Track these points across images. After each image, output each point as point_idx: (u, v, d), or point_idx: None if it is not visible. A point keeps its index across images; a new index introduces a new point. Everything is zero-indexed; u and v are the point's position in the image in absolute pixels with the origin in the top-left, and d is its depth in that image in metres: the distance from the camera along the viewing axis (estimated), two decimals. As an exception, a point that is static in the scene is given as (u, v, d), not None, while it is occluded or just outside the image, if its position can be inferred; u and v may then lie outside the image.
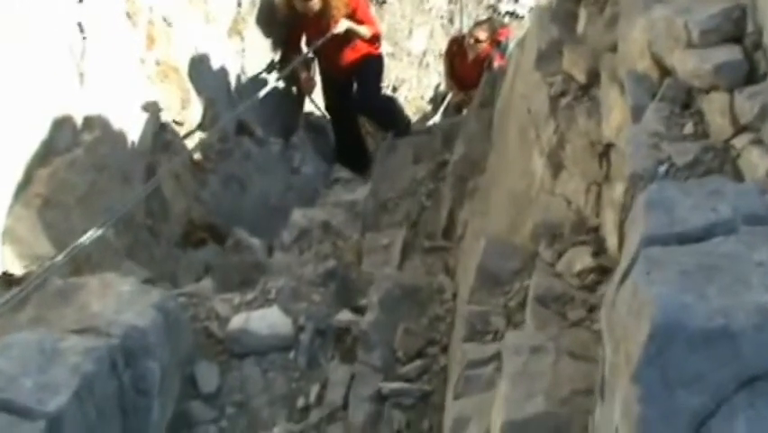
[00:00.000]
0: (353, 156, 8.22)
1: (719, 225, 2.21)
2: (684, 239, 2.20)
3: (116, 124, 5.08)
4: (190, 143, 6.16)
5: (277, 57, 8.06)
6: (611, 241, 3.54)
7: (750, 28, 2.80)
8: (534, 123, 4.28)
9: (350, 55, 7.84)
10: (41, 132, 4.42)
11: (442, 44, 11.45)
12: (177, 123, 6.12)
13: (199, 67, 6.54)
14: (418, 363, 4.12)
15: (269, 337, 4.15)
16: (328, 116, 8.58)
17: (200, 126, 6.40)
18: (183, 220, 5.71)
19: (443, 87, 11.38)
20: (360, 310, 4.43)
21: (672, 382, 1.99)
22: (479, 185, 5.30)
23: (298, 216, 5.49)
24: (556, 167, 4.06)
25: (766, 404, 1.98)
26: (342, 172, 7.84)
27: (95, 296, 3.59)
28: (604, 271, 3.50)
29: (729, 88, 2.73)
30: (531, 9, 12.46)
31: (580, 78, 4.03)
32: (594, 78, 3.94)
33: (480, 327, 3.73)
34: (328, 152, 8.55)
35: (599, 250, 3.60)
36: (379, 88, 8.47)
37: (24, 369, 3.06)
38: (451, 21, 12.48)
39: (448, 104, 10.04)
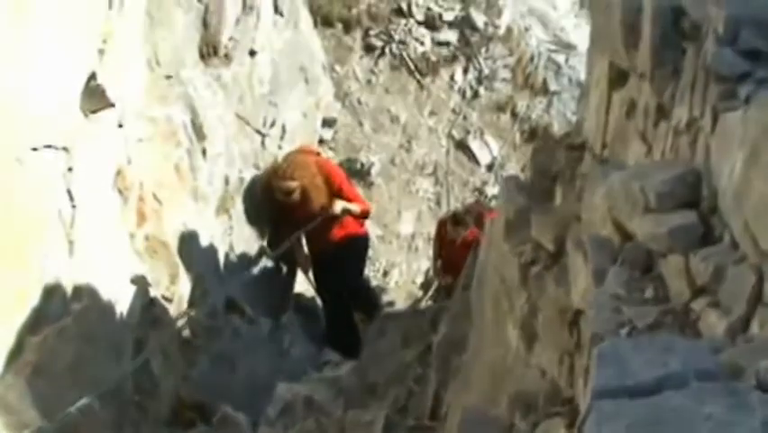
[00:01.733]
0: (344, 339, 8.36)
1: (670, 379, 2.32)
2: (635, 392, 2.33)
3: (105, 295, 5.29)
4: (179, 320, 6.34)
5: (264, 241, 8.32)
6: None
7: (705, 192, 2.93)
8: (507, 293, 4.41)
9: (338, 232, 8.11)
10: (32, 299, 4.59)
11: (430, 227, 11.72)
12: (165, 298, 6.32)
13: (188, 243, 6.79)
14: None
15: None
16: (318, 298, 8.79)
17: (190, 304, 6.60)
18: (171, 398, 5.82)
19: (431, 273, 11.55)
20: None
21: None
22: (461, 364, 5.43)
23: (283, 390, 5.62)
24: (530, 337, 4.16)
25: None
26: (332, 355, 7.97)
27: None
28: (577, 442, 3.61)
29: (685, 251, 2.84)
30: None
31: (549, 246, 4.14)
32: (563, 246, 4.06)
33: None
34: (318, 334, 8.70)
35: (573, 420, 3.65)
36: (363, 268, 8.73)
37: None
38: (438, 203, 12.85)
39: (437, 289, 10.18)
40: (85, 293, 5.08)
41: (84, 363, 4.87)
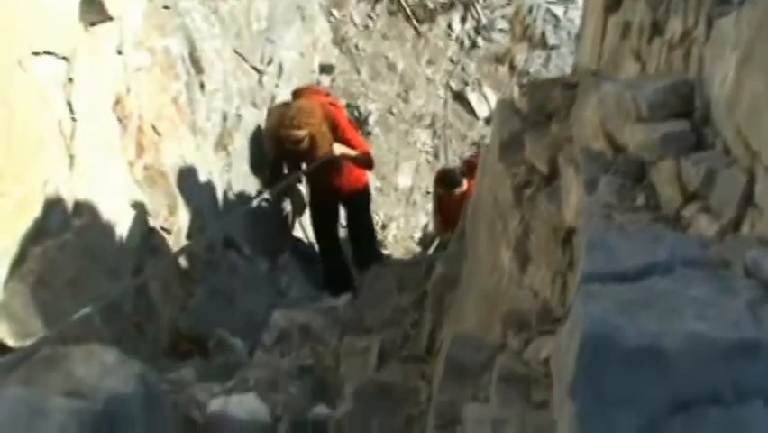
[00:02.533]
0: (340, 285, 8.45)
1: (657, 265, 2.40)
2: (622, 278, 2.40)
3: (105, 215, 5.40)
4: (176, 250, 6.45)
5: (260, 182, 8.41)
6: (579, 329, 3.75)
7: (698, 103, 2.98)
8: (501, 215, 4.46)
9: (341, 180, 8.17)
10: (34, 211, 4.72)
11: (428, 180, 11.82)
12: (164, 229, 6.42)
13: (187, 177, 6.89)
14: None
15: (248, 424, 4.32)
16: (316, 243, 8.88)
17: (188, 237, 6.70)
18: (170, 329, 5.94)
19: (431, 228, 11.61)
20: (336, 408, 4.59)
21: (608, 400, 2.15)
22: (454, 298, 5.53)
23: (279, 317, 5.71)
24: (523, 259, 4.22)
25: (701, 430, 2.13)
26: (330, 301, 8.06)
27: (79, 364, 3.80)
28: (571, 359, 3.70)
29: (676, 157, 2.90)
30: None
31: (543, 168, 4.18)
32: (556, 168, 4.08)
33: (450, 417, 3.78)
34: (315, 278, 8.81)
35: None
36: (371, 216, 8.82)
37: (11, 423, 3.28)
38: (436, 156, 12.93)
39: (439, 245, 10.21)
40: (85, 210, 5.18)
41: (84, 279, 4.99)
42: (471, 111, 13.06)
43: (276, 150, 8.16)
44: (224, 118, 7.78)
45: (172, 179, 6.58)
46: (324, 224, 8.51)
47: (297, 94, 8.38)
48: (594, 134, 3.56)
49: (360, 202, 8.55)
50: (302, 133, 7.73)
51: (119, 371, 3.83)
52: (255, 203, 7.51)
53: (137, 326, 5.47)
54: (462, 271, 5.47)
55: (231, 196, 7.90)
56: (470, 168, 8.89)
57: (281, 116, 7.98)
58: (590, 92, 3.66)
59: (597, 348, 2.16)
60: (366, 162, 8.29)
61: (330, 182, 8.23)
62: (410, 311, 6.52)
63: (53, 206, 4.90)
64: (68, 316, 4.33)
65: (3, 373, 3.77)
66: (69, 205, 5.09)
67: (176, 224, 6.55)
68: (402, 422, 4.45)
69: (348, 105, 11.97)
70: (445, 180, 8.94)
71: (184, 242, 6.63)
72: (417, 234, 12.70)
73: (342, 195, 8.49)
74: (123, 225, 5.66)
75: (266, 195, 7.87)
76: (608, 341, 2.16)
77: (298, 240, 9.20)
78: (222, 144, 7.78)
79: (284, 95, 9.00)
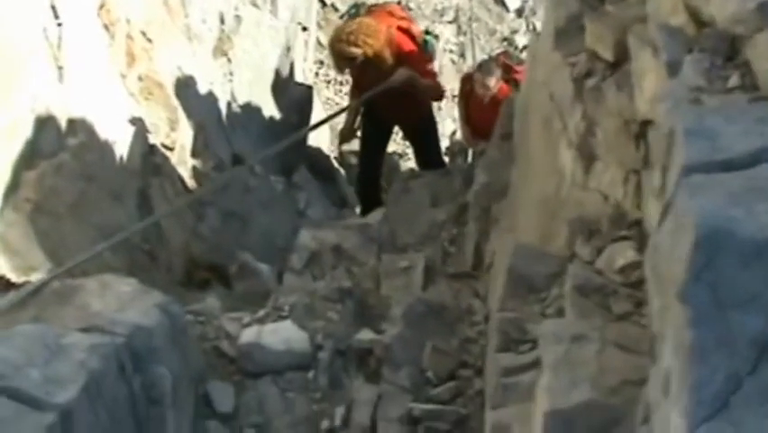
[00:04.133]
0: (370, 204, 8.36)
1: None
2: (729, 166, 2.34)
3: (102, 133, 5.39)
4: (182, 170, 6.43)
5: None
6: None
7: None
8: (559, 111, 4.38)
9: (401, 108, 8.03)
10: (25, 130, 4.71)
11: (453, 83, 11.68)
12: (165, 147, 6.39)
13: (185, 88, 6.84)
14: (451, 384, 4.28)
15: (285, 354, 4.37)
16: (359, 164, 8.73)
17: (192, 154, 6.68)
18: (183, 256, 5.93)
19: (458, 136, 11.51)
20: (380, 331, 4.64)
21: (726, 302, 2.13)
22: (503, 207, 5.52)
23: (307, 238, 5.70)
24: (588, 158, 4.15)
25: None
26: (353, 219, 8.04)
27: (94, 296, 3.84)
28: (649, 267, 3.67)
29: None
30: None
31: (607, 54, 4.07)
32: (623, 54, 3.97)
33: (515, 336, 3.89)
34: (334, 195, 8.79)
35: (643, 244, 3.70)
36: (438, 142, 8.73)
37: (29, 360, 3.31)
38: (462, 56, 12.76)
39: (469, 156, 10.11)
40: (80, 128, 5.15)
41: (85, 204, 4.98)
42: (500, 1, 12.88)
43: (334, 66, 8.09)
44: (222, 20, 7.69)
45: (170, 90, 6.51)
46: (372, 149, 8.39)
47: (369, 10, 8.26)
48: (673, 9, 3.43)
49: (424, 129, 8.42)
50: (355, 51, 7.59)
51: (138, 302, 3.86)
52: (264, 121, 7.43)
53: (149, 254, 5.47)
54: (511, 178, 5.42)
55: (235, 108, 7.83)
56: (501, 69, 8.73)
57: (340, 30, 7.86)
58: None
59: (712, 244, 2.13)
60: (432, 93, 8.13)
61: (388, 110, 8.07)
62: (448, 226, 6.51)
63: (45, 124, 4.87)
64: (71, 245, 4.33)
65: (10, 310, 3.78)
66: (62, 123, 5.06)
67: (178, 141, 6.51)
68: (458, 344, 4.51)
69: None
70: (481, 68, 8.73)
71: (188, 160, 6.60)
72: (444, 143, 12.60)
73: (401, 123, 8.40)
74: (121, 144, 5.63)
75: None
76: (724, 236, 2.13)
77: (313, 152, 9.16)
78: (221, 50, 7.71)
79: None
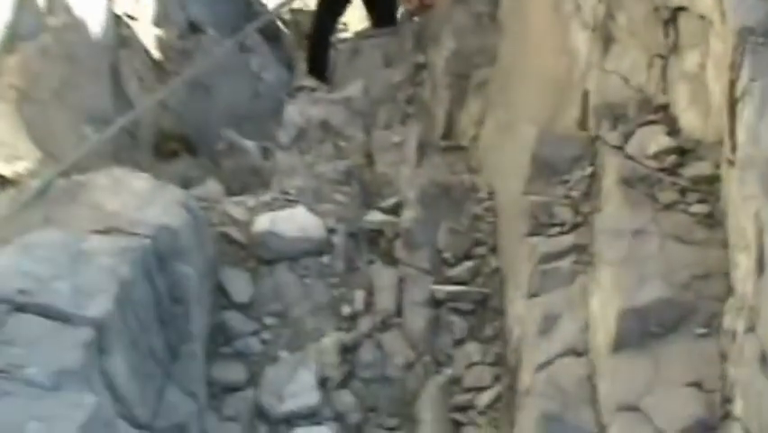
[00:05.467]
0: (323, 62, 7.90)
1: None
2: None
3: (77, 9, 4.89)
4: (146, 40, 5.94)
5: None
6: (686, 118, 3.49)
7: None
8: None
9: None
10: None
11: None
12: (129, 17, 5.89)
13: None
14: (468, 264, 4.12)
15: (300, 240, 4.09)
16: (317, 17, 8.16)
17: (155, 24, 6.17)
18: (153, 128, 5.51)
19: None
20: (388, 211, 4.39)
21: None
22: (490, 77, 5.19)
23: (294, 113, 5.33)
24: (605, 41, 3.92)
25: None
26: (305, 80, 7.63)
27: (107, 193, 3.48)
28: (683, 152, 3.46)
29: None
30: None
31: None
32: None
33: (544, 220, 3.70)
34: (284, 58, 8.32)
35: (673, 129, 3.53)
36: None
37: (55, 271, 2.98)
38: None
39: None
40: (58, 6, 4.63)
41: (69, 87, 4.55)
42: None
43: None
44: None
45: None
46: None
47: None
48: None
49: None
50: None
51: (158, 199, 3.49)
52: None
53: (130, 134, 5.03)
54: (502, 49, 5.08)
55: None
56: None
57: None
58: None
59: None
60: None
61: None
62: (404, 86, 6.19)
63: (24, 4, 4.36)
64: (57, 132, 3.91)
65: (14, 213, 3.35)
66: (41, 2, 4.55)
67: (141, 10, 5.98)
68: (468, 223, 4.30)
69: None
70: None
71: (151, 30, 6.07)
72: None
73: None
74: (91, 17, 5.08)
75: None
76: None
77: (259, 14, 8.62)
78: None
79: None
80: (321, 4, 7.68)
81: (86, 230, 3.21)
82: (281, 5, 7.59)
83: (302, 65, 8.07)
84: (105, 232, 3.22)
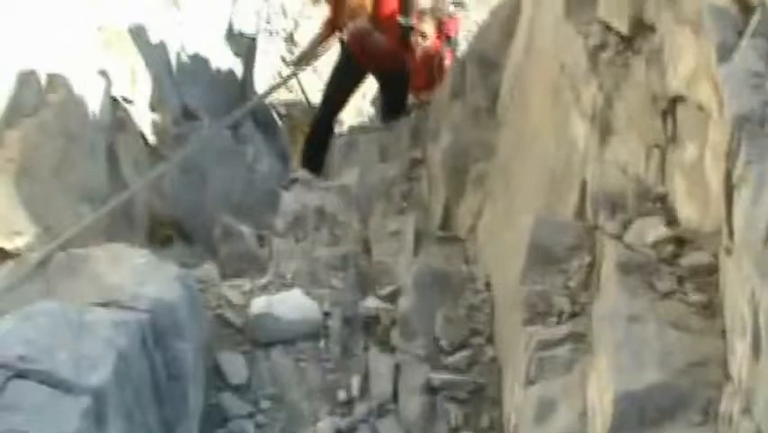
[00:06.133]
0: (319, 155, 7.99)
1: None
2: None
3: (77, 87, 5.08)
4: (142, 124, 6.12)
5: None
6: (684, 208, 3.58)
7: None
8: (571, 82, 4.25)
9: (367, 47, 7.62)
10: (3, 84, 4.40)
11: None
12: (126, 100, 6.06)
13: (139, 38, 6.48)
14: (465, 353, 4.19)
15: (297, 323, 4.23)
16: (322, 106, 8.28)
17: (152, 108, 6.34)
18: (146, 212, 5.63)
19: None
20: (384, 298, 4.51)
21: None
22: (488, 169, 5.34)
23: (290, 199, 5.47)
24: (604, 130, 4.03)
25: None
26: (300, 172, 7.76)
27: (106, 267, 3.57)
28: (681, 242, 3.56)
29: None
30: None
31: (622, 28, 3.97)
32: (639, 27, 3.90)
33: (541, 309, 3.76)
34: (278, 150, 8.50)
35: (671, 219, 3.62)
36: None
37: (56, 340, 3.05)
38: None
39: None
40: (59, 83, 4.78)
41: (68, 164, 4.68)
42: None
43: None
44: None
45: (130, 40, 6.13)
46: (345, 90, 7.96)
47: None
48: (710, -11, 3.27)
49: (396, 78, 7.99)
50: None
51: (156, 274, 3.59)
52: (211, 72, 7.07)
53: (125, 217, 5.15)
54: (501, 140, 5.23)
55: (185, 59, 7.45)
56: (436, 25, 8.43)
57: None
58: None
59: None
60: (381, 55, 7.66)
61: (360, 47, 7.61)
62: (399, 181, 6.33)
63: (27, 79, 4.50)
64: (55, 207, 4.02)
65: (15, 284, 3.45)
66: (42, 78, 4.70)
67: (137, 93, 6.15)
68: (465, 311, 4.39)
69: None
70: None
71: (147, 114, 6.24)
72: (370, 94, 12.27)
73: (375, 68, 7.95)
74: (91, 97, 5.25)
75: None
76: None
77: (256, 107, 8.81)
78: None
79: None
80: (325, 104, 7.88)
81: (85, 302, 3.30)
82: (269, 91, 7.78)
83: (296, 158, 8.27)
84: (105, 304, 3.32)
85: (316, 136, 7.83)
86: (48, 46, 4.91)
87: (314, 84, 8.88)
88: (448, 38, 8.43)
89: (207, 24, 7.96)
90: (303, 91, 8.43)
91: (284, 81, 8.23)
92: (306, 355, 4.14)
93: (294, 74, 8.06)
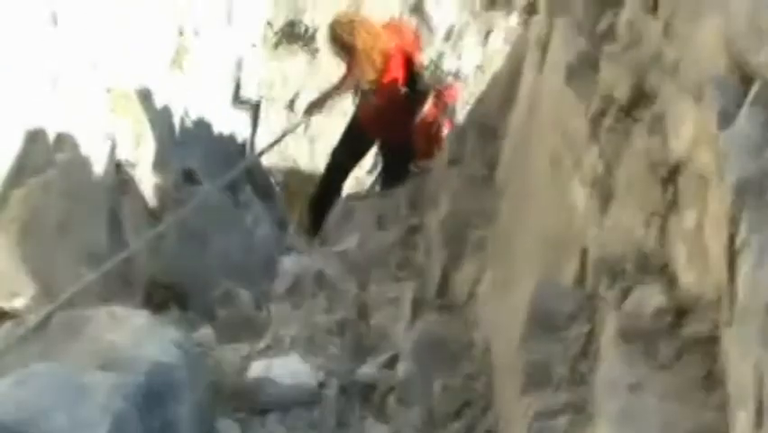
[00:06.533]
0: (319, 226, 8.00)
1: None
2: None
3: (84, 148, 5.12)
4: (144, 187, 6.16)
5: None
6: (685, 277, 3.59)
7: None
8: (572, 148, 4.29)
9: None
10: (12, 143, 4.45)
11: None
12: (129, 163, 6.11)
13: (146, 101, 6.57)
14: (460, 423, 4.13)
15: (293, 389, 4.17)
16: (332, 171, 8.30)
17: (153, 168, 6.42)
18: (144, 275, 5.65)
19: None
20: (382, 365, 4.52)
21: None
22: (487, 236, 5.35)
23: (288, 263, 5.48)
24: (604, 197, 4.04)
25: None
26: (297, 240, 7.81)
27: (105, 329, 3.56)
28: (681, 312, 3.56)
29: None
30: (478, 67, 12.62)
31: (623, 96, 4.00)
32: (639, 96, 3.92)
33: (540, 378, 3.76)
34: (277, 216, 8.56)
35: (671, 288, 3.59)
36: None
37: (53, 403, 3.03)
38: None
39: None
40: (68, 143, 4.83)
41: (70, 224, 4.66)
42: (427, 25, 12.71)
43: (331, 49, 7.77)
44: (180, 32, 7.43)
45: (136, 103, 6.21)
46: (356, 158, 8.01)
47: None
48: (711, 60, 3.29)
49: (401, 148, 8.03)
50: (347, 38, 7.30)
51: (154, 337, 3.60)
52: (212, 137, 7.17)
53: (123, 277, 5.16)
54: (501, 208, 5.26)
55: (188, 123, 7.52)
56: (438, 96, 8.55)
57: (344, 15, 7.69)
58: (707, 12, 3.39)
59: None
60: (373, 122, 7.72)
61: (373, 115, 7.67)
62: (396, 250, 6.34)
63: (35, 138, 4.54)
64: (56, 268, 4.04)
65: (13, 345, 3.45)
66: (50, 137, 4.73)
67: (141, 156, 6.21)
68: (462, 380, 4.36)
69: (290, 23, 11.46)
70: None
71: (148, 177, 6.29)
72: (368, 163, 12.37)
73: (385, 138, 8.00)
74: (97, 158, 5.30)
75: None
76: None
77: (253, 170, 8.89)
78: (178, 62, 7.39)
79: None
80: (336, 170, 7.94)
81: (83, 364, 3.30)
82: (264, 151, 7.85)
83: (293, 225, 8.32)
84: (102, 367, 3.32)
85: (325, 201, 7.86)
86: (57, 105, 4.98)
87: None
88: (444, 106, 8.54)
89: (211, 88, 8.07)
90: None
91: (294, 127, 8.25)
92: (302, 424, 4.07)
93: (305, 121, 8.12)
